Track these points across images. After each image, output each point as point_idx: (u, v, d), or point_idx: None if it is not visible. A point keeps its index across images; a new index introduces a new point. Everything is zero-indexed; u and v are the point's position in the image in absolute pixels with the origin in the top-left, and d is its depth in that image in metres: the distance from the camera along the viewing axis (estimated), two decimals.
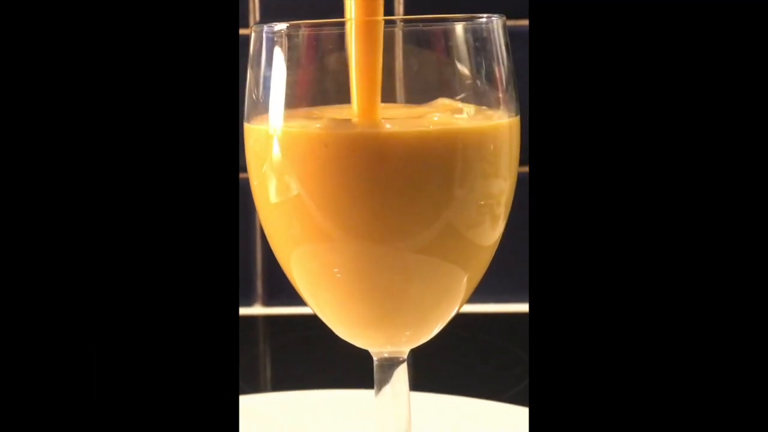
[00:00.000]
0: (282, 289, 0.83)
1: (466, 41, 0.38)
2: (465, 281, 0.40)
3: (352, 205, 0.37)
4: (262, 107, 0.39)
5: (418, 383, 0.58)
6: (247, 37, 0.41)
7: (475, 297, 0.44)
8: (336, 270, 0.39)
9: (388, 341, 0.42)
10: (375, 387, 0.43)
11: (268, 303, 0.84)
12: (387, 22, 0.38)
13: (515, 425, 0.54)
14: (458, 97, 0.38)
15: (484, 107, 0.39)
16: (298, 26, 0.38)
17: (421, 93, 0.39)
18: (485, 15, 0.39)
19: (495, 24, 0.39)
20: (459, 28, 0.38)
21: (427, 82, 0.39)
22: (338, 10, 0.38)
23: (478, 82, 0.39)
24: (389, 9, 0.79)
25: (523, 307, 0.82)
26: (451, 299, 0.41)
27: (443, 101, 0.38)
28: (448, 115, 0.38)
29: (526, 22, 0.73)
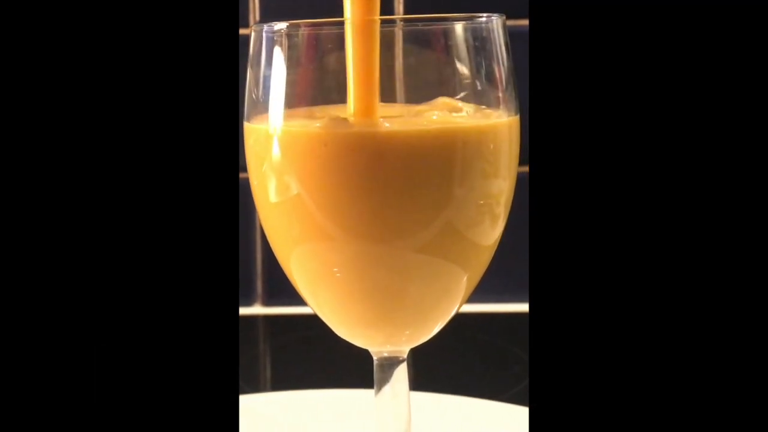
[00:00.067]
0: (282, 289, 0.83)
1: (466, 41, 0.38)
2: (465, 281, 0.40)
3: (351, 204, 0.37)
4: (261, 107, 0.39)
5: (417, 383, 0.58)
6: (247, 37, 0.41)
7: (475, 297, 0.44)
8: (336, 269, 0.39)
9: (387, 341, 0.42)
10: (375, 387, 0.43)
11: (268, 303, 0.84)
12: (387, 21, 0.38)
13: (515, 425, 0.54)
14: (458, 96, 0.39)
15: (484, 106, 0.39)
16: (298, 26, 0.38)
17: (420, 92, 0.39)
18: (485, 15, 0.39)
19: (495, 24, 0.39)
20: (459, 28, 0.38)
21: (426, 81, 0.39)
22: (338, 10, 0.38)
23: (478, 82, 0.39)
24: (389, 9, 0.79)
25: (523, 307, 0.82)
26: (450, 299, 0.41)
27: (443, 100, 0.38)
28: (447, 114, 0.38)
29: (526, 22, 0.73)
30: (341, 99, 0.38)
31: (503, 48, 0.39)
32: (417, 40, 0.38)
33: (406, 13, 0.79)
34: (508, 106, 0.40)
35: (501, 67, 0.39)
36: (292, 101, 0.39)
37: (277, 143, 0.38)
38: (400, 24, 0.39)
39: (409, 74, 0.38)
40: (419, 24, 0.38)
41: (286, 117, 0.38)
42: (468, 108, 0.39)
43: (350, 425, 0.55)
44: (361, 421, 0.53)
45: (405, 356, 0.43)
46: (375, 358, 0.43)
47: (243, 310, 0.83)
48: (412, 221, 0.38)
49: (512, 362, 0.69)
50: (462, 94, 0.39)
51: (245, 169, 0.41)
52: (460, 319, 0.44)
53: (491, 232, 0.40)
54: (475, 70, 0.39)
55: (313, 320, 0.43)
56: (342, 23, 0.38)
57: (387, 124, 0.37)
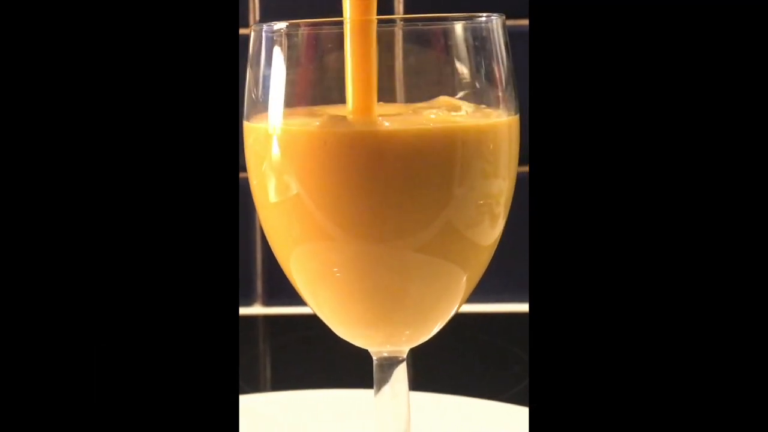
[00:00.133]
0: (282, 289, 0.83)
1: (466, 41, 0.38)
2: (464, 280, 0.40)
3: (351, 203, 0.37)
4: (261, 106, 0.39)
5: (417, 383, 0.58)
6: (247, 37, 0.41)
7: (475, 297, 0.44)
8: (335, 269, 0.39)
9: (387, 340, 0.42)
10: (374, 387, 0.43)
11: (268, 303, 0.84)
12: (387, 21, 0.38)
13: (515, 425, 0.54)
14: (458, 96, 0.39)
15: (484, 106, 0.39)
16: (298, 26, 0.38)
17: (420, 92, 0.39)
18: (485, 14, 0.39)
19: (494, 23, 0.39)
20: (458, 28, 0.38)
21: (426, 81, 0.39)
22: (338, 9, 0.38)
23: (478, 82, 0.39)
24: (389, 9, 0.79)
25: (523, 307, 0.82)
26: (450, 298, 0.41)
27: (443, 99, 0.38)
28: (447, 113, 0.38)
29: (526, 22, 0.73)
30: (341, 98, 0.38)
31: (503, 48, 0.39)
32: (417, 39, 0.38)
33: (406, 13, 0.79)
34: (507, 105, 0.40)
35: (501, 67, 0.39)
36: (291, 101, 0.39)
37: (277, 142, 0.38)
38: (400, 24, 0.39)
39: (408, 74, 0.38)
40: (419, 24, 0.38)
41: (286, 116, 0.38)
42: (467, 107, 0.39)
43: (350, 425, 0.55)
44: (361, 421, 0.53)
45: (404, 356, 0.43)
46: (375, 358, 0.43)
47: (243, 310, 0.83)
48: (412, 221, 0.38)
49: (512, 362, 0.69)
50: (461, 93, 0.39)
51: (245, 169, 0.41)
52: (460, 319, 0.44)
53: (491, 232, 0.40)
54: (475, 69, 0.39)
55: (313, 320, 0.43)
56: (341, 23, 0.38)
57: (387, 123, 0.37)
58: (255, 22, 0.78)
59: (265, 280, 0.84)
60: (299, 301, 0.43)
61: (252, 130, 0.40)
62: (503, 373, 0.67)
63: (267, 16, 0.81)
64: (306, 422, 0.56)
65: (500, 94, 0.39)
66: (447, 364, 0.68)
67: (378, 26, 0.37)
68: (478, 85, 0.39)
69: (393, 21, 0.39)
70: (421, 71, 0.39)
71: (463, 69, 0.38)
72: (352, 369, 0.52)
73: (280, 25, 0.39)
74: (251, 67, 0.40)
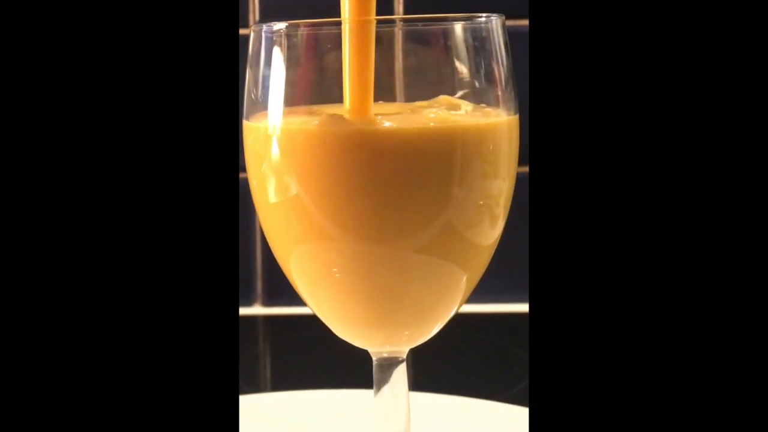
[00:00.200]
0: (282, 289, 0.83)
1: (466, 41, 0.38)
2: (464, 281, 0.40)
3: (350, 203, 0.37)
4: (261, 106, 0.39)
5: (417, 383, 0.58)
6: (247, 37, 0.41)
7: (475, 297, 0.44)
8: (335, 269, 0.39)
9: (387, 341, 0.42)
10: (374, 387, 0.43)
11: (268, 303, 0.84)
12: (387, 21, 0.38)
13: (515, 425, 0.54)
14: (457, 95, 0.39)
15: (483, 105, 0.39)
16: (297, 26, 0.38)
17: (420, 93, 0.39)
18: (484, 15, 0.39)
19: (494, 24, 0.39)
20: (458, 28, 0.38)
21: (426, 81, 0.39)
22: (337, 10, 0.38)
23: (477, 82, 0.39)
24: (389, 9, 0.79)
25: (523, 307, 0.82)
26: (450, 299, 0.41)
27: (443, 98, 0.38)
28: (446, 112, 0.38)
29: (526, 22, 0.73)
30: (340, 99, 0.38)
31: (502, 48, 0.39)
32: (417, 40, 0.38)
33: (406, 13, 0.79)
34: (507, 106, 0.40)
35: (500, 67, 0.39)
36: (291, 100, 0.39)
37: (276, 142, 0.38)
38: (399, 24, 0.39)
39: (408, 74, 0.38)
40: (419, 24, 0.38)
41: (285, 116, 0.38)
42: (467, 106, 0.39)
43: (350, 425, 0.55)
44: (361, 421, 0.53)
45: (404, 356, 0.43)
46: (374, 358, 0.43)
47: (243, 310, 0.83)
48: (412, 220, 0.38)
49: (512, 362, 0.69)
50: (461, 93, 0.39)
51: (245, 170, 0.41)
52: (460, 319, 0.44)
53: (491, 232, 0.40)
54: (475, 70, 0.39)
55: (313, 320, 0.43)
56: (341, 24, 0.38)
57: (387, 122, 0.37)
58: (255, 23, 0.78)
59: (265, 280, 0.84)
60: (299, 301, 0.43)
61: (252, 130, 0.40)
62: (503, 373, 0.67)
63: (267, 16, 0.81)
64: (306, 422, 0.56)
65: (500, 94, 0.39)
66: (447, 365, 0.68)
67: (378, 26, 0.38)
68: (477, 85, 0.39)
69: (393, 21, 0.39)
70: (421, 72, 0.39)
71: (462, 69, 0.38)
72: (352, 369, 0.52)
73: (280, 26, 0.39)
74: (251, 67, 0.40)
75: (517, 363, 0.69)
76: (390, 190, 0.37)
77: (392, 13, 0.79)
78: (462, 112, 0.38)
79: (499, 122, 0.39)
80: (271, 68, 0.39)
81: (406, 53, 0.38)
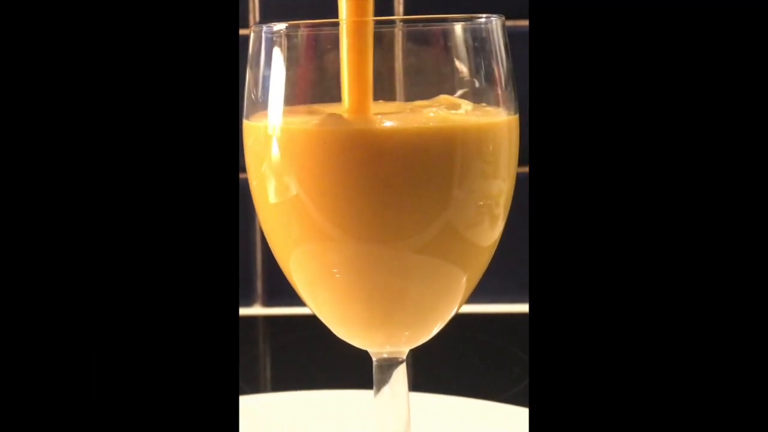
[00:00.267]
0: (282, 289, 0.83)
1: (466, 41, 0.38)
2: (464, 281, 0.40)
3: (350, 203, 0.37)
4: (260, 106, 0.39)
5: (417, 383, 0.58)
6: (247, 38, 0.41)
7: (475, 297, 0.44)
8: (335, 270, 0.39)
9: (387, 341, 0.42)
10: (374, 387, 0.43)
11: (268, 303, 0.84)
12: (386, 22, 0.38)
13: (515, 425, 0.54)
14: (457, 95, 0.39)
15: (483, 104, 0.39)
16: (297, 26, 0.38)
17: (420, 93, 0.39)
18: (484, 15, 0.39)
19: (494, 24, 0.39)
20: (458, 29, 0.38)
21: (426, 82, 0.39)
22: (337, 10, 0.38)
23: (477, 82, 0.39)
24: (389, 9, 0.79)
25: (523, 307, 0.82)
26: (450, 299, 0.41)
27: (443, 97, 0.38)
28: (446, 111, 0.38)
29: (526, 22, 0.73)
30: (340, 99, 0.38)
31: (502, 48, 0.39)
32: (417, 40, 0.38)
33: (406, 13, 0.79)
34: (507, 106, 0.40)
35: (500, 68, 0.39)
36: (290, 101, 0.39)
37: (276, 142, 0.38)
38: (399, 24, 0.39)
39: (408, 75, 0.38)
40: (419, 24, 0.38)
41: (285, 116, 0.39)
42: (467, 105, 0.39)
43: (350, 426, 0.55)
44: (361, 421, 0.53)
45: (404, 357, 0.43)
46: (374, 358, 0.43)
47: (243, 311, 0.83)
48: (412, 221, 0.38)
49: (512, 362, 0.69)
50: (461, 92, 0.39)
51: (245, 170, 0.41)
52: (460, 320, 0.44)
53: (491, 232, 0.40)
54: (475, 70, 0.39)
55: (313, 320, 0.43)
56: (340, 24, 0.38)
57: (387, 122, 0.37)
58: (255, 23, 0.78)
59: (265, 280, 0.84)
60: (299, 301, 0.43)
61: (252, 130, 0.40)
62: (503, 373, 0.67)
63: (267, 16, 0.81)
64: (306, 422, 0.56)
65: (500, 94, 0.39)
66: (447, 365, 0.68)
67: (378, 27, 0.38)
68: (477, 86, 0.39)
69: (393, 22, 0.39)
70: (421, 72, 0.39)
71: (462, 69, 0.38)
72: (352, 369, 0.52)
73: (280, 26, 0.39)
74: (251, 67, 0.40)
75: (517, 363, 0.68)
76: (390, 189, 0.37)
77: (392, 13, 0.79)
78: (462, 111, 0.38)
79: (499, 122, 0.39)
80: (271, 68, 0.39)
81: (406, 54, 0.38)
